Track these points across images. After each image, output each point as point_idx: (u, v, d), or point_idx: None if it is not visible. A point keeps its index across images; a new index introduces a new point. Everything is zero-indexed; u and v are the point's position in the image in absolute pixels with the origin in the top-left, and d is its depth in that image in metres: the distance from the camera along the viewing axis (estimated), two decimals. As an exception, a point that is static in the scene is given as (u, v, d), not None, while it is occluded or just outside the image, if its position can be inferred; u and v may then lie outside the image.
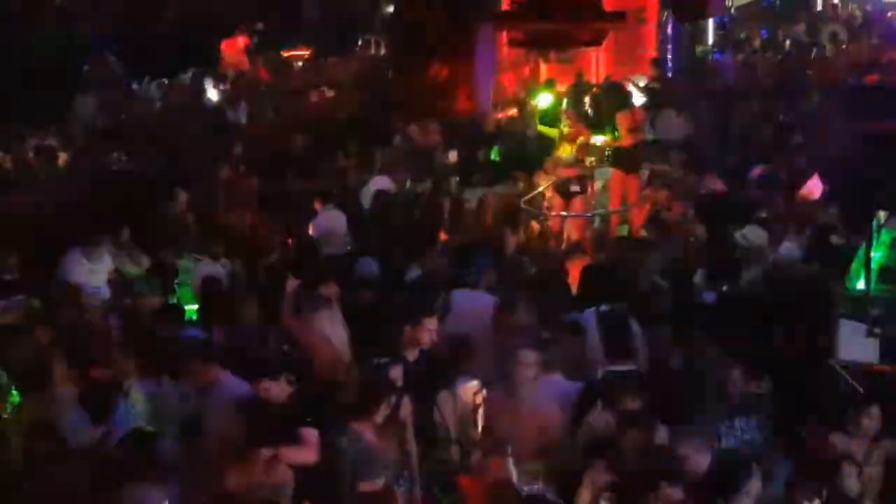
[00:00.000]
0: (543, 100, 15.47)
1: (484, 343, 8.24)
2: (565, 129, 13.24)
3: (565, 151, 12.83)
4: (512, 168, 13.08)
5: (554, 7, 15.33)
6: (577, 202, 12.47)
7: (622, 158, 12.54)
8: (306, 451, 6.54)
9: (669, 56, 18.18)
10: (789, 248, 10.15)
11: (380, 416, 6.74)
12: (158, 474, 5.98)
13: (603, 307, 8.13)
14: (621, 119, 12.93)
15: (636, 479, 6.05)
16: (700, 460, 6.35)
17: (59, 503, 6.01)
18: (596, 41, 16.21)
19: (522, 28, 15.72)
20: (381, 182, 12.65)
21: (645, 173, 12.79)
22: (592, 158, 12.70)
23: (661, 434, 6.54)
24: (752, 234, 10.03)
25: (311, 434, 6.60)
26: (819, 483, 6.41)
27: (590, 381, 7.44)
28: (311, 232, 11.43)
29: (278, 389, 6.85)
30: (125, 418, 6.96)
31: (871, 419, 7.21)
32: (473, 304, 8.90)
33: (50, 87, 12.87)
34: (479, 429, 7.68)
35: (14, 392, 7.33)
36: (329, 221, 11.51)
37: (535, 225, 12.28)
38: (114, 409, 6.95)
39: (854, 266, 9.07)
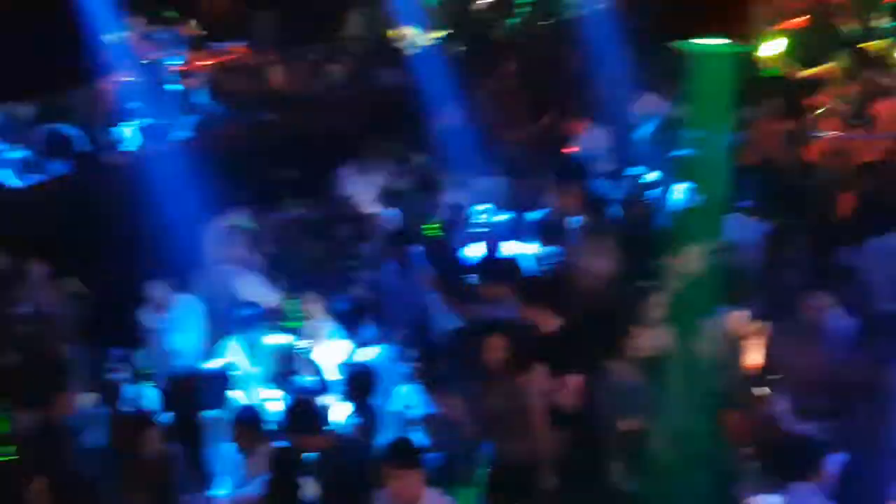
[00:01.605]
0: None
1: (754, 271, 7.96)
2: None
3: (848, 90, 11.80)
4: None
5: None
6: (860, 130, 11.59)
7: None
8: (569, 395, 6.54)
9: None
10: None
11: (636, 351, 6.62)
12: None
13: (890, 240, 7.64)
14: None
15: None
16: None
17: None
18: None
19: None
20: (648, 102, 12.23)
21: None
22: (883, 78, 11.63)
23: None
24: None
25: (576, 380, 6.57)
26: None
27: (870, 319, 7.04)
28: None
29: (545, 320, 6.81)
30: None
31: None
32: (743, 228, 8.59)
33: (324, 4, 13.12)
34: (747, 360, 7.44)
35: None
36: (592, 141, 11.29)
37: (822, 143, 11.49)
38: None
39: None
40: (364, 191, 10.15)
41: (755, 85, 12.31)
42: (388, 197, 10.17)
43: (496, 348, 6.40)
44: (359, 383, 6.77)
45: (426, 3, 13.47)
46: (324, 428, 6.34)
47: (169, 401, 6.89)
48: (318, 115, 11.38)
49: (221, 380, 7.10)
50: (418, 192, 10.48)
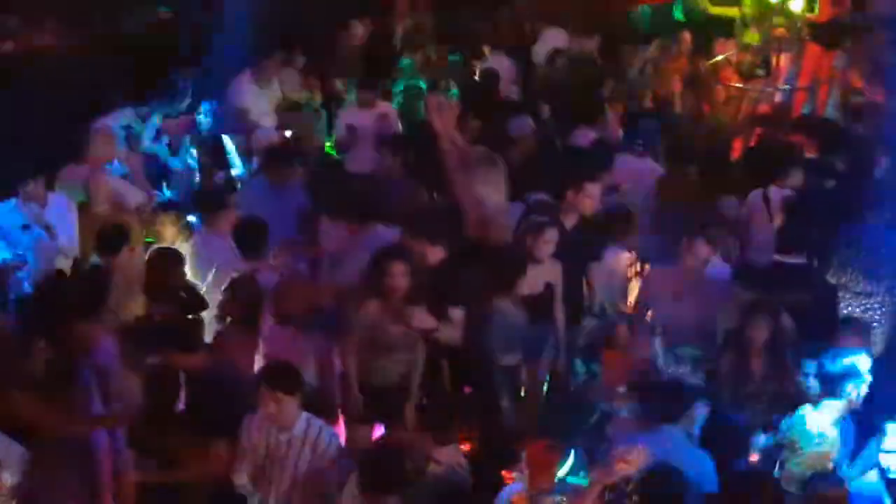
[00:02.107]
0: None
1: (643, 213, 8.05)
2: (748, 10, 12.07)
3: (751, 38, 11.89)
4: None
5: None
6: (755, 83, 11.74)
7: (822, 33, 11.55)
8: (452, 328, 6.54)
9: None
10: None
11: (522, 288, 6.65)
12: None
13: (777, 191, 7.77)
14: None
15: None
16: None
17: None
18: None
19: None
20: (554, 37, 12.21)
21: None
22: (782, 30, 11.74)
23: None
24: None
25: (457, 313, 6.56)
26: None
27: (745, 269, 7.20)
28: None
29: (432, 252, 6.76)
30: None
31: None
32: (635, 171, 8.68)
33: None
34: (629, 301, 7.56)
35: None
36: (494, 67, 11.22)
37: (719, 91, 11.63)
38: None
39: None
40: (259, 103, 9.88)
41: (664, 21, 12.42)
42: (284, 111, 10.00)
43: (398, 274, 6.33)
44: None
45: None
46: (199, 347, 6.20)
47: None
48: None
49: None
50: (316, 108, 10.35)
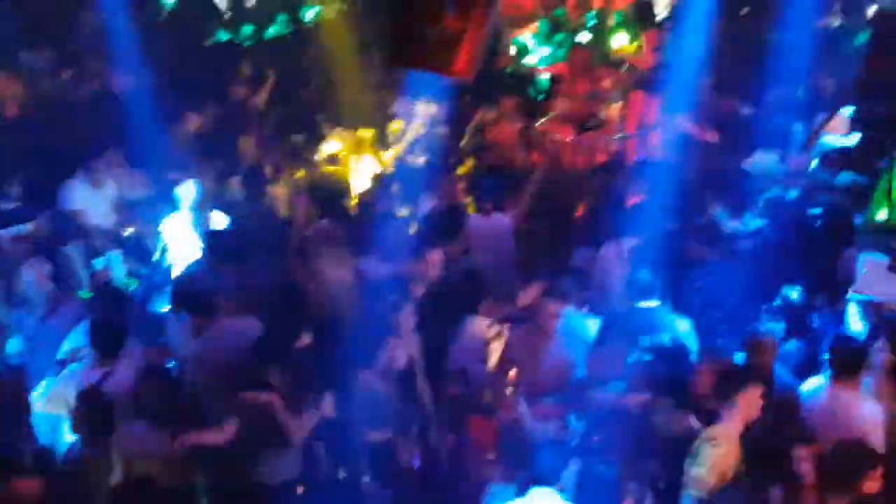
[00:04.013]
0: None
1: (498, 272, 8.09)
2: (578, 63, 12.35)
3: (581, 87, 12.22)
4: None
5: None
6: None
7: (646, 79, 11.94)
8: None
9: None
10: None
11: (386, 362, 6.59)
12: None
13: (628, 242, 7.91)
14: (648, 37, 12.33)
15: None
16: None
17: None
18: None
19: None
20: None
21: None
22: (608, 81, 12.10)
23: None
24: (762, 160, 9.81)
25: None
26: None
27: (611, 317, 7.29)
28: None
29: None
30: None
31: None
32: (489, 230, 8.72)
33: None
34: (492, 365, 7.53)
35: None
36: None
37: (550, 146, 11.87)
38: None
39: (876, 196, 8.76)
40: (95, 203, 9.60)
41: (492, 84, 12.63)
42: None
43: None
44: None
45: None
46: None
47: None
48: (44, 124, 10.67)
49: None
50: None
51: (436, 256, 7.45)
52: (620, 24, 13.18)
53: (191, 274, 7.99)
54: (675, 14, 13.16)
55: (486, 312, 7.56)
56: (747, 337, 6.63)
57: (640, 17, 13.16)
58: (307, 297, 7.03)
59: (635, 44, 12.51)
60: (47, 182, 9.69)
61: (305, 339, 6.74)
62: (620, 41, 12.55)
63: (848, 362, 6.33)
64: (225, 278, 7.52)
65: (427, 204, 9.36)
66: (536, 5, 14.55)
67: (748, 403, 5.76)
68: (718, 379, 5.97)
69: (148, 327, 7.39)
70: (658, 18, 13.18)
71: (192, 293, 7.17)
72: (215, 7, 13.89)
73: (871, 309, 7.40)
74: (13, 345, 7.46)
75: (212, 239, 8.43)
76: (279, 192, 9.75)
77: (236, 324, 6.89)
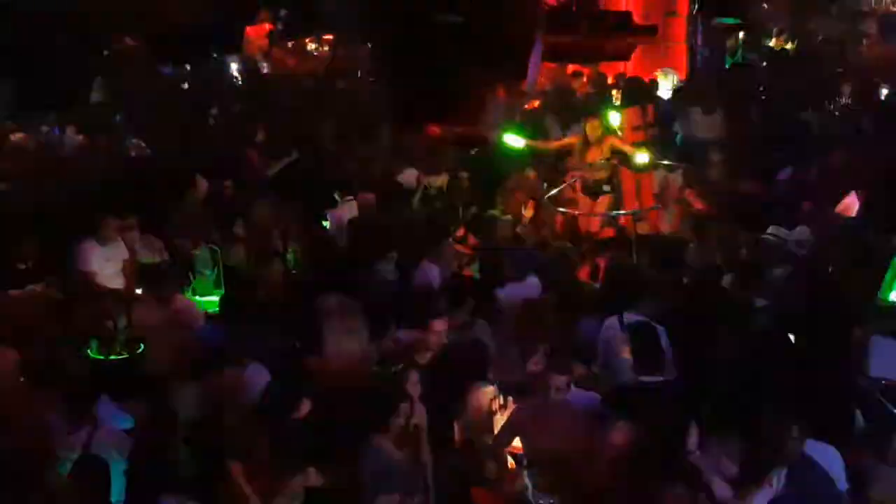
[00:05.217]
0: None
1: (504, 346, 8.09)
2: (591, 133, 12.44)
3: (594, 156, 12.33)
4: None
5: (581, 20, 15.06)
6: (604, 201, 12.13)
7: (629, 156, 11.98)
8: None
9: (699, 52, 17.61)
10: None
11: (396, 427, 6.56)
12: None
13: (631, 317, 7.90)
14: (628, 115, 12.37)
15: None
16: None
17: None
18: (624, 55, 15.88)
19: (548, 41, 15.43)
20: (409, 176, 12.45)
21: (676, 174, 12.37)
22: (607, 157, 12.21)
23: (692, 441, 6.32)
24: (778, 234, 9.89)
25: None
26: None
27: (613, 393, 7.25)
28: (328, 224, 11.25)
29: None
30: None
31: None
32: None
33: (68, 71, 12.59)
34: (496, 437, 7.50)
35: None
36: (347, 214, 11.27)
37: (559, 220, 11.98)
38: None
39: (888, 276, 8.78)
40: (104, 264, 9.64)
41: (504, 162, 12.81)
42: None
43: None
44: None
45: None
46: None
47: None
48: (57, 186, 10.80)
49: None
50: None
51: (440, 325, 7.47)
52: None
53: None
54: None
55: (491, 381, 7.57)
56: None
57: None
58: (310, 367, 7.03)
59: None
60: (60, 243, 9.79)
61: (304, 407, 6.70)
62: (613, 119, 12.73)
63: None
64: (232, 345, 7.56)
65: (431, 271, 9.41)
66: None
67: None
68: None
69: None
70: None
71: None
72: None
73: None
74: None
75: (223, 304, 8.48)
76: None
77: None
